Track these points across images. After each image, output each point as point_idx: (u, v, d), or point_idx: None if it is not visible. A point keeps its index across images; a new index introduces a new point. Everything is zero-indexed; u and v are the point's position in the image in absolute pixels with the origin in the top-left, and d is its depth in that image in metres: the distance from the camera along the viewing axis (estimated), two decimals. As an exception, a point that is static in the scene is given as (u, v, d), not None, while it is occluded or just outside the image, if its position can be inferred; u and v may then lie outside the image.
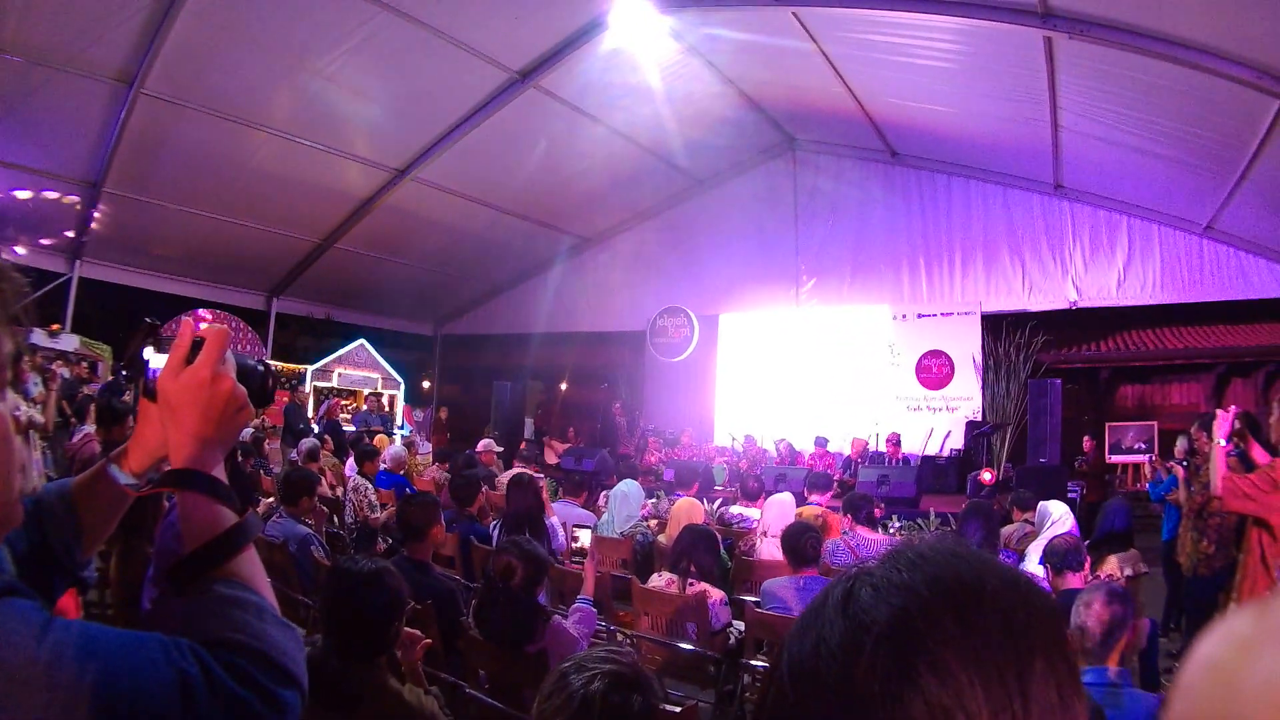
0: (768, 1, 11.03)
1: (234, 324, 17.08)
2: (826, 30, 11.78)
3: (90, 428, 8.76)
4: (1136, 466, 16.44)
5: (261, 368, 1.45)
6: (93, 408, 9.24)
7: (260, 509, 8.10)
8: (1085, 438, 14.27)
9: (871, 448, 15.01)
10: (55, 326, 13.83)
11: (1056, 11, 9.24)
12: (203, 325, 1.42)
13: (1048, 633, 0.73)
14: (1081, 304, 14.92)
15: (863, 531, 6.58)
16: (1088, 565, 5.28)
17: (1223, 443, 5.24)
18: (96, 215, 13.66)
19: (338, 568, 3.24)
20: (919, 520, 10.25)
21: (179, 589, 1.20)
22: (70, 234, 13.92)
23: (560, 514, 8.11)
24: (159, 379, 1.32)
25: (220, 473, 1.31)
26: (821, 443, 15.09)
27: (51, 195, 12.82)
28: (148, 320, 1.42)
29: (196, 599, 1.18)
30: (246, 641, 1.12)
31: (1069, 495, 11.17)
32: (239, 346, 16.60)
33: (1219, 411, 5.42)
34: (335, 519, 9.61)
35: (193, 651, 1.06)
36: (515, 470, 10.21)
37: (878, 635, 0.70)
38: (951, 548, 0.78)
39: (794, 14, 11.30)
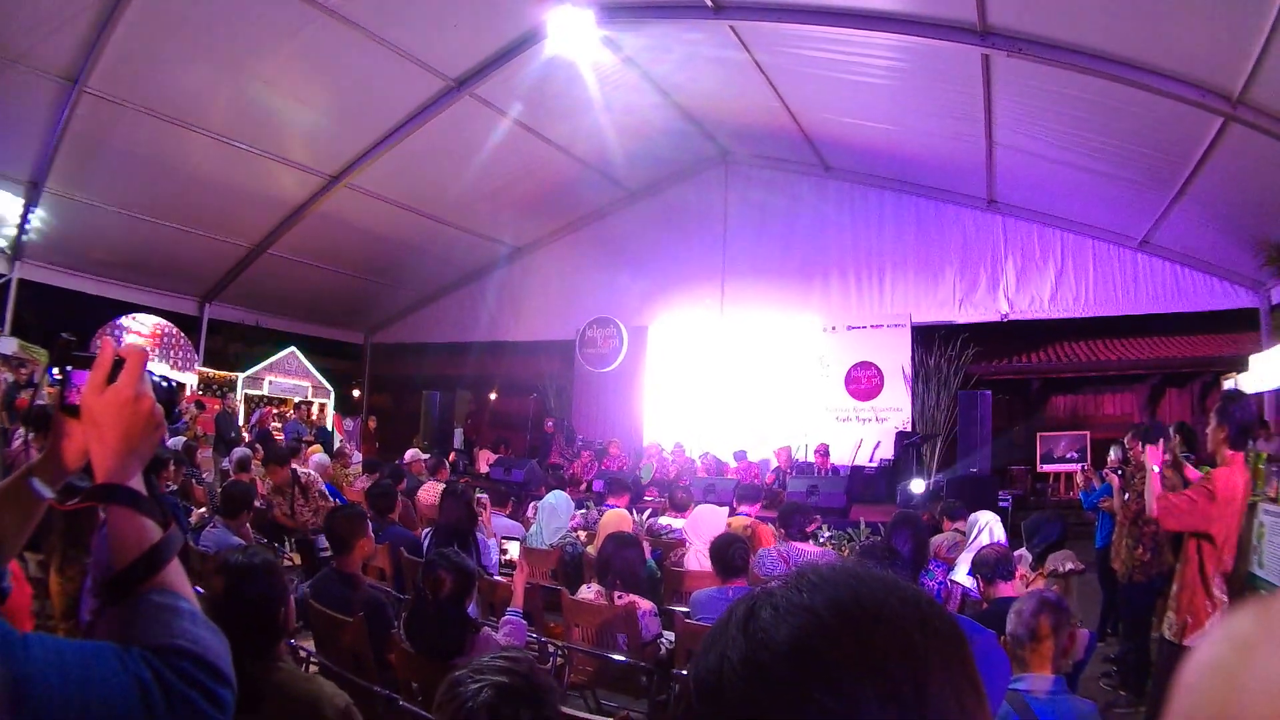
0: (706, 15, 11.05)
1: (167, 330, 16.83)
2: (763, 45, 11.86)
3: (30, 432, 8.57)
4: (1069, 475, 16.70)
5: (166, 384, 1.49)
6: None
7: (193, 519, 8.04)
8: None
9: (801, 458, 15.08)
10: None
11: (995, 30, 9.33)
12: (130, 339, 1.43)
13: (945, 649, 0.75)
14: (1013, 317, 15.08)
15: (796, 544, 6.58)
16: (1019, 572, 5.34)
17: (1156, 469, 5.31)
18: (37, 215, 13.42)
19: (219, 565, 3.16)
20: (849, 530, 10.30)
21: (114, 600, 1.25)
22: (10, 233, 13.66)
23: (497, 528, 8.11)
24: (83, 396, 1.37)
25: (139, 485, 1.35)
26: (740, 456, 15.14)
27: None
28: (63, 336, 1.45)
29: (134, 609, 1.23)
30: (186, 646, 1.19)
31: (1000, 505, 11.31)
32: (172, 354, 16.42)
33: (1149, 448, 5.48)
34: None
35: (143, 658, 1.13)
36: (439, 481, 10.18)
37: (776, 654, 0.72)
38: (854, 570, 0.81)
39: (731, 28, 11.35)
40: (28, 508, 1.47)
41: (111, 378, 1.36)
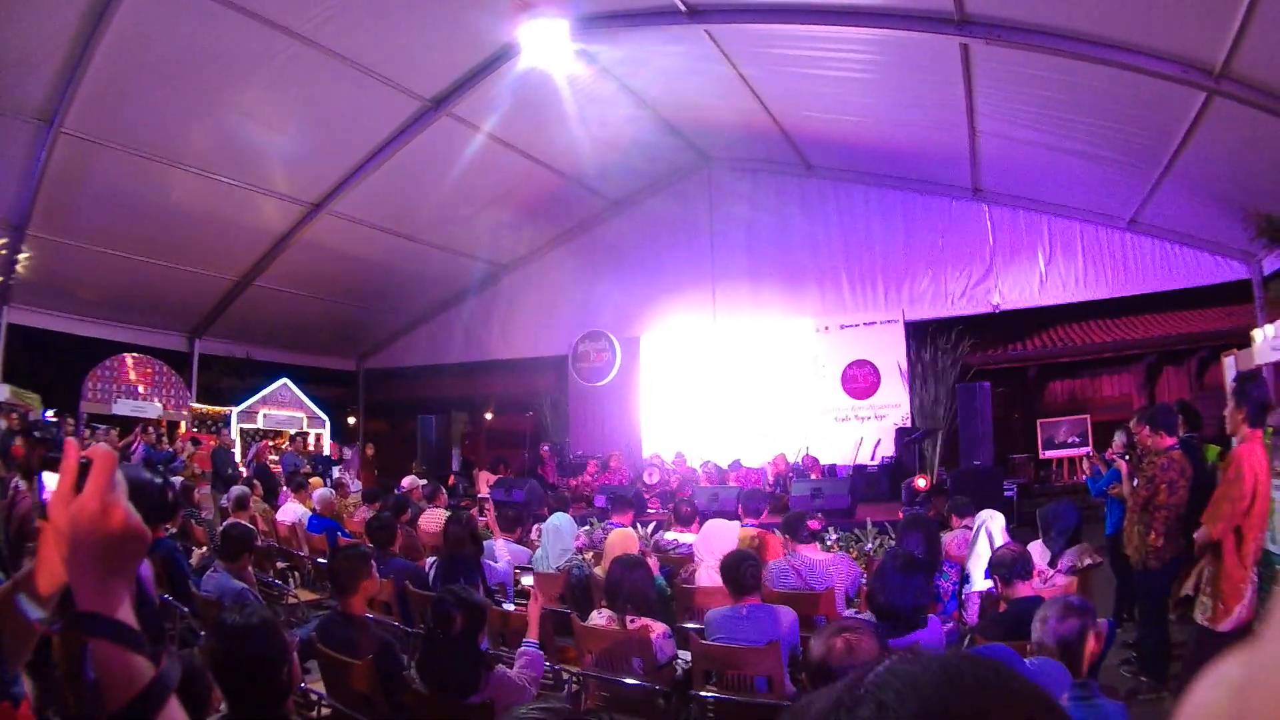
0: (681, 20, 10.98)
1: (158, 368, 16.76)
2: (740, 47, 11.79)
3: (24, 482, 8.47)
4: (1072, 460, 16.68)
5: (159, 480, 1.34)
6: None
7: (194, 560, 7.93)
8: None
9: (796, 461, 15.08)
10: None
11: (973, 18, 9.29)
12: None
13: None
14: (1004, 307, 15.04)
15: (805, 551, 6.48)
16: (1037, 569, 5.29)
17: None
18: (22, 259, 13.35)
19: (215, 626, 3.02)
20: (856, 530, 10.27)
21: None
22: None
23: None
24: (50, 509, 1.21)
25: (127, 611, 1.18)
26: (736, 466, 15.11)
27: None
28: (35, 434, 1.34)
29: None
30: None
31: (1005, 495, 11.27)
32: (165, 391, 16.32)
33: None
34: (270, 568, 9.45)
35: None
36: (438, 507, 10.13)
37: None
38: (942, 666, 0.71)
39: (707, 31, 11.29)
40: (20, 624, 1.33)
41: (80, 484, 1.18)
